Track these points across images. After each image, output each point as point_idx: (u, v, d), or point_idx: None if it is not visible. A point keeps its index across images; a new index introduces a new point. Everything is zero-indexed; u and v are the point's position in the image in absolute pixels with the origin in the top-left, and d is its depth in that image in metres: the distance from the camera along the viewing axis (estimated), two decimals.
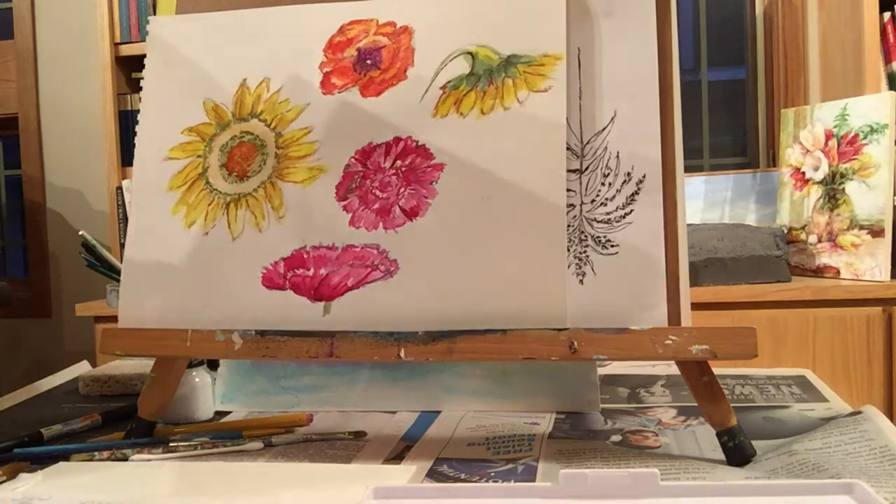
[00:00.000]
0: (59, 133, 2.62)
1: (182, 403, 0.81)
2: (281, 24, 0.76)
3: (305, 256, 0.70)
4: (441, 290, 0.67)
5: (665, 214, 0.65)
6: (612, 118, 0.67)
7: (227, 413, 0.85)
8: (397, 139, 0.71)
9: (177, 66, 0.78)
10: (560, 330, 0.64)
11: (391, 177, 0.70)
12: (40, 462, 0.69)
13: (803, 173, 1.85)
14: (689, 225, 1.66)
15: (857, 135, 1.73)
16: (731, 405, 0.65)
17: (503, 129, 0.68)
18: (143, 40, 2.12)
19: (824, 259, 1.79)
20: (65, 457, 0.70)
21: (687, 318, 0.65)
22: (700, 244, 1.74)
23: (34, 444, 0.74)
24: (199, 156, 0.75)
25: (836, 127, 1.77)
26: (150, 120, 0.77)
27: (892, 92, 1.71)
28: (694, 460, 0.65)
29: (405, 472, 0.63)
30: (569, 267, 0.66)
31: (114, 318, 0.73)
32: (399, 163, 0.70)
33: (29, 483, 0.62)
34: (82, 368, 1.09)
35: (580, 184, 0.67)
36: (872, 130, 1.70)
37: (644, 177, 0.66)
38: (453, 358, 0.66)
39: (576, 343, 0.63)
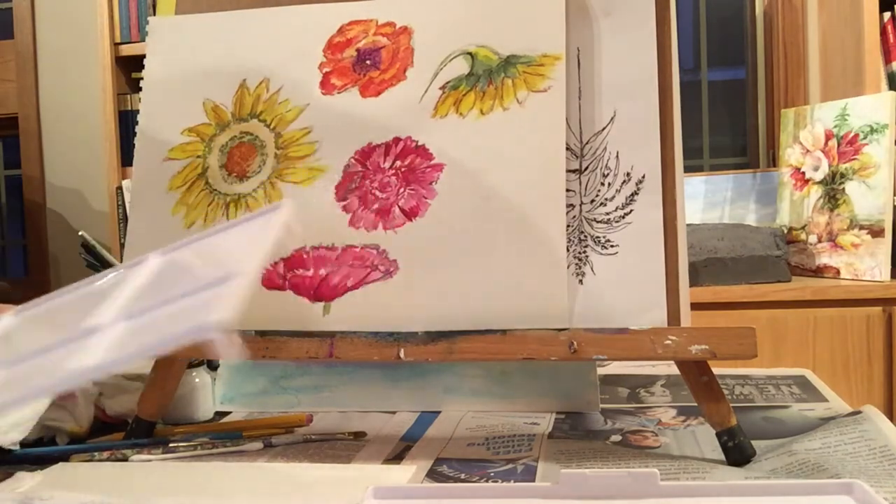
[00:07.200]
0: (59, 133, 2.62)
1: (182, 403, 0.81)
2: (280, 25, 0.76)
3: (305, 257, 0.70)
4: (441, 290, 0.67)
5: (665, 214, 0.65)
6: (612, 118, 0.67)
7: (227, 413, 0.85)
8: (397, 139, 0.71)
9: (176, 67, 0.78)
10: (560, 330, 0.64)
11: (391, 177, 0.70)
12: (40, 462, 0.69)
13: (803, 173, 1.85)
14: (689, 225, 1.66)
15: (857, 135, 1.73)
16: (731, 405, 0.65)
17: (503, 130, 0.68)
18: (143, 40, 2.12)
19: (824, 259, 1.79)
20: (65, 457, 0.70)
21: (687, 318, 0.65)
22: (700, 244, 1.74)
23: (34, 444, 0.74)
24: (198, 156, 0.75)
25: (836, 127, 1.77)
26: (149, 120, 0.77)
27: (892, 92, 1.71)
28: (694, 460, 0.65)
29: (405, 472, 0.63)
30: (568, 267, 0.66)
31: None
32: (398, 163, 0.70)
33: (29, 483, 0.62)
34: None
35: (580, 184, 0.67)
36: (872, 130, 1.70)
37: (644, 177, 0.66)
38: (453, 358, 0.66)
39: (576, 343, 0.63)
